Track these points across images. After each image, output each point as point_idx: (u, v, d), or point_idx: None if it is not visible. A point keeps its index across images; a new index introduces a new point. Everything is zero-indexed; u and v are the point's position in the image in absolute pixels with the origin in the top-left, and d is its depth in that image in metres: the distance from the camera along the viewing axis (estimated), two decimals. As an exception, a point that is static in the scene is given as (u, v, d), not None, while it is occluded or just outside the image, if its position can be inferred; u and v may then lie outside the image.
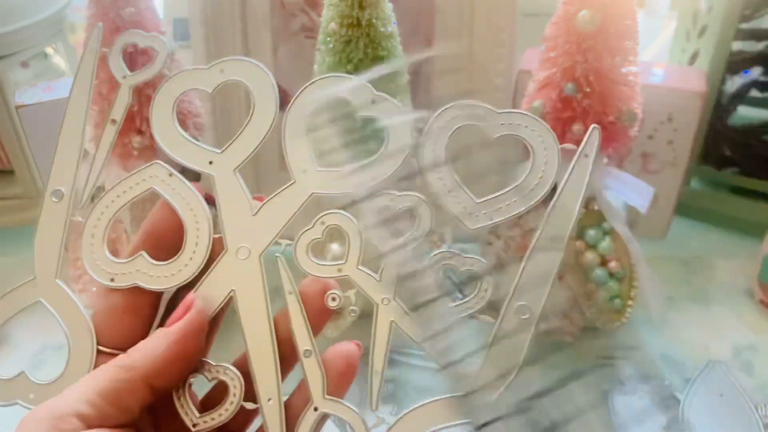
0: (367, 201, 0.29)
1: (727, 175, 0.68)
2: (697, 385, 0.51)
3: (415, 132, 0.29)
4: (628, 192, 0.50)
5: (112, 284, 0.29)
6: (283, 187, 0.29)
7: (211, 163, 0.30)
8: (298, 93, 0.30)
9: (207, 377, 0.29)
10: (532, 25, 0.55)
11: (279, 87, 0.54)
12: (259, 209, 0.29)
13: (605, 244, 0.50)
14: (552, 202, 0.28)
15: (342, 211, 0.29)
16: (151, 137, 0.46)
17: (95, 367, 0.28)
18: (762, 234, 0.58)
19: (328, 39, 0.46)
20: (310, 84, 0.30)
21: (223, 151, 0.30)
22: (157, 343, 0.27)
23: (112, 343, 0.29)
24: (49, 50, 0.68)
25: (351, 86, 0.30)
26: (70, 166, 0.31)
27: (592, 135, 0.28)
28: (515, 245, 0.52)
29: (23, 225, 0.67)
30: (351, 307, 0.29)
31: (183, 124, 0.48)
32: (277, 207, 0.29)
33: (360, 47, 0.45)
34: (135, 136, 0.47)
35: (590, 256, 0.50)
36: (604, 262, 0.50)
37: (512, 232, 0.53)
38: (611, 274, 0.50)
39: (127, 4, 0.44)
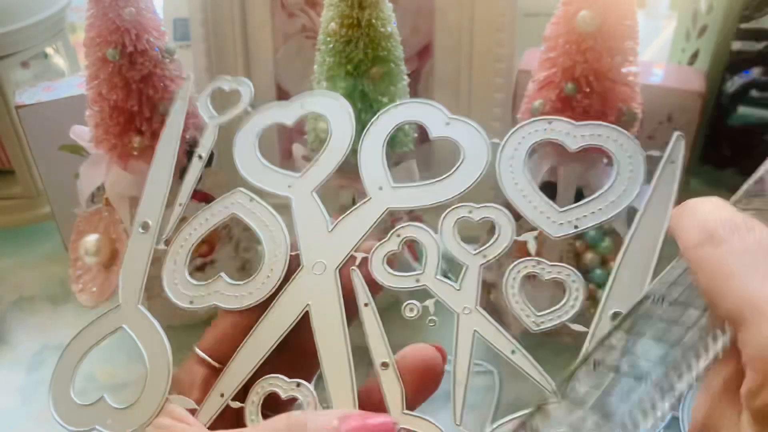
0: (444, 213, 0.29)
1: (727, 175, 0.68)
2: (697, 385, 0.51)
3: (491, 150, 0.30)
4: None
5: (191, 306, 0.31)
6: (359, 204, 0.31)
7: (290, 186, 0.32)
8: (378, 115, 0.32)
9: (281, 393, 0.28)
10: (532, 25, 0.55)
11: (279, 87, 0.55)
12: (335, 226, 0.30)
13: (605, 244, 0.50)
14: (642, 207, 0.28)
15: (418, 224, 0.29)
16: (151, 137, 0.47)
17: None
18: (762, 234, 0.58)
19: (328, 39, 0.46)
20: (391, 108, 0.32)
21: (302, 175, 0.32)
22: None
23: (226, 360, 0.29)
24: (50, 50, 0.68)
25: (426, 109, 0.32)
26: (158, 199, 0.33)
27: (677, 141, 0.28)
28: (515, 246, 0.52)
29: (23, 225, 0.67)
30: (430, 317, 0.28)
31: (184, 125, 0.48)
32: (352, 223, 0.30)
33: (360, 47, 0.45)
34: (135, 136, 0.47)
35: (590, 256, 0.50)
36: (604, 262, 0.50)
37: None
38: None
39: (127, 4, 0.44)
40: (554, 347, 0.55)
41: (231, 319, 0.30)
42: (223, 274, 0.31)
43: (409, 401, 0.27)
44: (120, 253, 0.49)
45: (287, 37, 0.60)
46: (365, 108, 0.45)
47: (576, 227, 0.29)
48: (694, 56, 0.65)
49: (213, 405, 0.29)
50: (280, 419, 0.26)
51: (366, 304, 0.29)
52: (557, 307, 0.28)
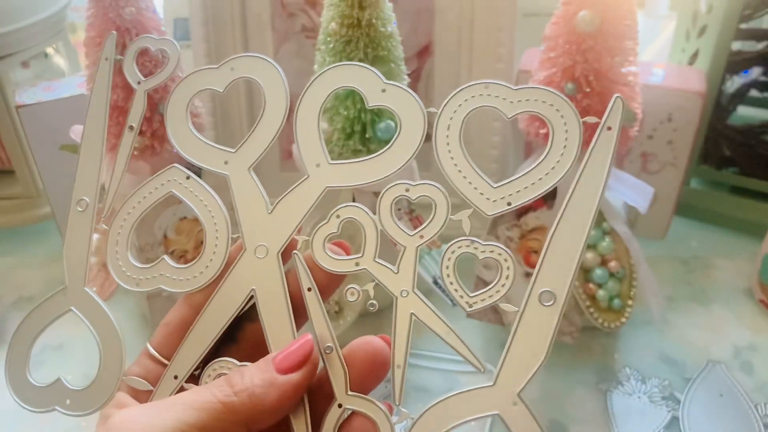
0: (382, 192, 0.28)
1: (727, 175, 0.68)
2: (697, 385, 0.51)
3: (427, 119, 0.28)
4: (628, 192, 0.50)
5: (137, 289, 0.30)
6: (298, 183, 0.29)
7: (226, 163, 0.30)
8: (309, 84, 0.29)
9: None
10: (532, 25, 0.55)
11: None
12: (275, 207, 0.29)
13: (605, 244, 0.50)
14: (576, 179, 0.27)
15: (357, 204, 0.29)
16: (152, 137, 0.47)
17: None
18: (762, 234, 0.58)
19: (328, 39, 0.46)
20: (320, 74, 0.29)
21: (237, 150, 0.30)
22: (268, 392, 0.26)
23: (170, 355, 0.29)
24: (50, 50, 0.68)
25: (361, 75, 0.29)
26: (92, 175, 0.31)
27: (616, 104, 0.26)
28: (515, 246, 0.52)
29: (23, 225, 0.67)
30: (370, 301, 0.28)
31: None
32: (293, 203, 0.29)
33: (360, 47, 0.45)
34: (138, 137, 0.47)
35: (590, 256, 0.50)
36: (604, 262, 0.50)
37: (512, 232, 0.53)
38: (611, 274, 0.50)
39: (127, 4, 0.44)
40: (553, 346, 0.55)
41: (180, 315, 0.30)
42: (166, 257, 0.30)
43: (357, 389, 0.28)
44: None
45: (287, 37, 0.60)
46: (365, 108, 0.45)
47: (509, 203, 0.27)
48: (694, 56, 0.65)
49: (167, 387, 0.29)
50: (214, 383, 0.27)
51: (309, 289, 0.28)
52: (489, 287, 0.27)
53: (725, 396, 0.50)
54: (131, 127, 0.32)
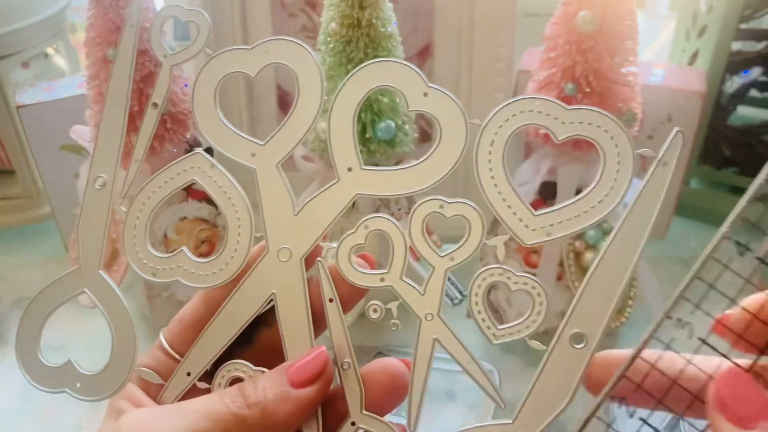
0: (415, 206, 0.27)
1: (727, 175, 0.68)
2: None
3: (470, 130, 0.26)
4: (628, 192, 0.50)
5: (154, 279, 0.29)
6: (327, 186, 0.28)
7: (253, 155, 0.28)
8: (346, 79, 0.27)
9: (245, 379, 0.28)
10: (532, 25, 0.55)
11: (279, 87, 0.54)
12: (302, 208, 0.28)
13: (605, 244, 0.50)
14: (623, 217, 0.25)
15: (388, 216, 0.27)
16: (152, 137, 0.47)
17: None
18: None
19: (328, 39, 0.46)
20: (360, 69, 0.27)
21: (266, 143, 0.28)
22: (281, 406, 0.25)
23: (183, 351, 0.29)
24: (50, 50, 0.68)
25: (403, 74, 0.27)
26: (111, 152, 0.29)
27: (675, 138, 0.25)
28: (515, 246, 0.52)
29: (23, 225, 0.67)
30: (392, 321, 0.27)
31: (184, 122, 0.48)
32: (320, 207, 0.28)
33: (360, 47, 0.45)
34: (135, 136, 0.47)
35: (590, 256, 0.50)
36: (603, 262, 0.50)
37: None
38: (611, 274, 0.50)
39: (127, 4, 0.44)
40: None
41: (195, 311, 0.29)
42: (185, 248, 0.29)
43: (375, 409, 0.27)
44: (119, 253, 0.49)
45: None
46: (365, 108, 0.45)
47: (549, 234, 0.26)
48: (694, 56, 0.65)
49: (179, 383, 0.28)
50: (227, 391, 0.26)
51: (331, 300, 0.27)
52: (520, 321, 0.26)
53: (725, 396, 0.50)
54: (155, 104, 0.30)
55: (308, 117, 0.28)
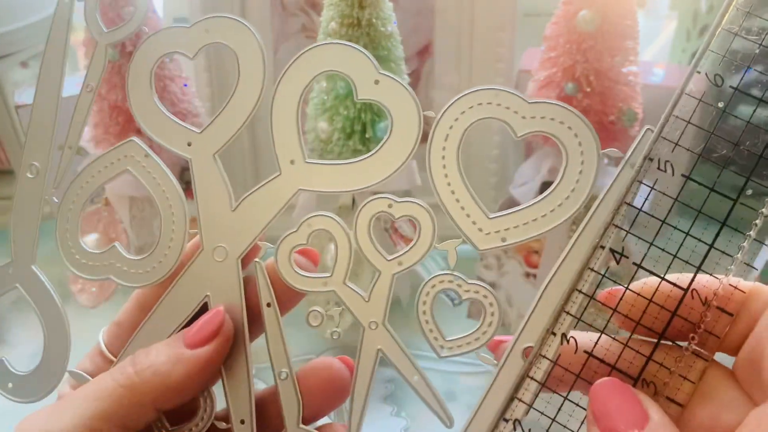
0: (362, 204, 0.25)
1: (727, 175, 0.68)
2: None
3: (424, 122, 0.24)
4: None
5: (84, 276, 0.27)
6: (267, 180, 0.26)
7: (189, 144, 0.26)
8: (290, 64, 0.25)
9: None
10: (532, 25, 0.55)
11: (279, 87, 0.53)
12: (239, 204, 0.26)
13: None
14: (582, 224, 0.23)
15: (332, 215, 0.25)
16: (138, 132, 0.46)
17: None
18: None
19: (328, 38, 0.45)
20: (303, 53, 0.25)
21: (202, 131, 0.26)
22: (174, 368, 0.24)
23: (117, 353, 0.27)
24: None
25: (353, 59, 0.25)
26: (45, 137, 0.27)
27: (645, 138, 0.23)
28: (515, 246, 0.52)
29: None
30: (334, 329, 0.25)
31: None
32: (259, 203, 0.26)
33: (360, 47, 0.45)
34: (135, 136, 0.47)
35: (590, 256, 0.50)
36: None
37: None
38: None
39: (126, 4, 0.44)
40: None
41: (131, 315, 0.27)
42: (117, 244, 0.27)
43: (313, 412, 0.26)
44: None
45: (287, 37, 0.60)
46: (365, 107, 0.45)
47: (504, 239, 0.24)
48: (694, 56, 0.65)
49: None
50: (119, 365, 0.25)
51: (269, 305, 0.25)
52: (469, 332, 0.24)
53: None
54: (89, 86, 0.27)
55: (249, 102, 0.25)
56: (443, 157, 0.24)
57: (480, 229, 0.24)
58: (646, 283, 0.24)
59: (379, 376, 0.28)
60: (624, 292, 0.24)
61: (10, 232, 0.28)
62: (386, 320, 0.25)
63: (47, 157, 0.27)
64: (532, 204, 0.24)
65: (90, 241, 0.49)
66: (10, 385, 0.27)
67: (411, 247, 0.24)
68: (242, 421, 0.26)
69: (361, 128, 0.46)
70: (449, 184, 0.24)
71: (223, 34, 0.26)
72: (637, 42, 0.45)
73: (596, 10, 0.43)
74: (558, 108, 0.23)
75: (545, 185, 0.50)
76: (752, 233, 0.22)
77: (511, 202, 0.53)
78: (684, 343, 0.23)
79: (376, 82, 0.24)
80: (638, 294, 0.24)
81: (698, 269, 0.24)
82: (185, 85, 0.48)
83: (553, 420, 0.24)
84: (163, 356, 0.24)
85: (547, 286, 0.24)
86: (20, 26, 0.59)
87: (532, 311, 0.24)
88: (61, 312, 0.27)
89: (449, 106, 0.24)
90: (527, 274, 0.51)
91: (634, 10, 0.44)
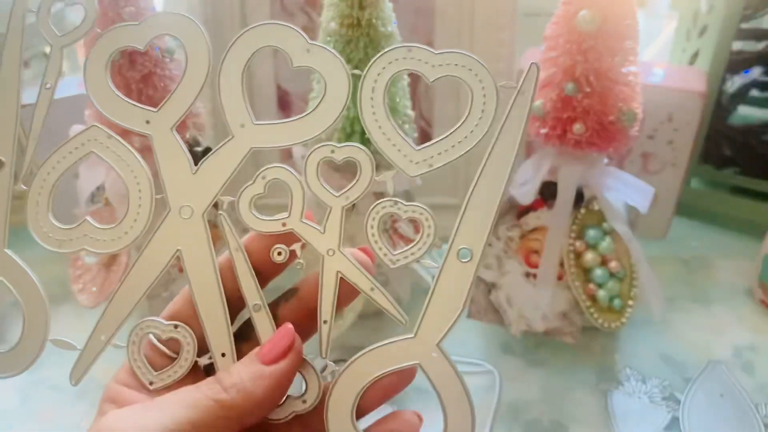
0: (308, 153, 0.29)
1: (727, 175, 0.68)
2: (697, 385, 0.51)
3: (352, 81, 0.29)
4: (628, 192, 0.50)
5: (60, 250, 0.30)
6: (222, 143, 0.29)
7: (148, 122, 0.30)
8: (231, 43, 0.29)
9: (159, 336, 0.29)
10: (532, 25, 0.55)
11: (279, 87, 0.54)
12: (199, 167, 0.29)
13: (605, 244, 0.50)
14: (493, 141, 0.28)
15: (284, 165, 0.29)
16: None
17: None
18: (762, 234, 0.58)
19: (328, 39, 0.46)
20: (243, 33, 0.29)
21: (159, 109, 0.30)
22: (257, 385, 0.26)
23: None
24: (50, 50, 0.68)
25: (284, 34, 0.29)
26: (8, 132, 0.31)
27: (531, 70, 0.28)
28: (515, 246, 0.52)
29: (23, 225, 0.67)
30: (298, 261, 0.29)
31: (182, 124, 0.48)
32: (217, 164, 0.29)
33: (360, 47, 0.45)
34: (135, 137, 0.47)
35: (590, 256, 0.50)
36: (604, 262, 0.50)
37: (512, 232, 0.53)
38: (611, 274, 0.50)
39: (127, 4, 0.44)
40: (553, 346, 0.55)
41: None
42: (89, 217, 0.30)
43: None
44: (119, 253, 0.49)
45: (287, 36, 0.60)
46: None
47: (431, 165, 0.28)
48: (695, 56, 0.65)
49: (95, 347, 0.30)
50: (203, 382, 0.27)
51: (236, 250, 0.29)
52: (411, 245, 0.28)
53: (726, 396, 0.50)
54: (47, 85, 0.31)
55: (197, 82, 0.30)
56: (372, 106, 0.28)
57: (411, 160, 0.28)
58: None
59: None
60: None
61: None
62: (341, 246, 0.28)
63: (12, 151, 0.31)
64: (449, 135, 0.28)
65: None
66: None
67: (354, 184, 0.28)
68: (223, 354, 0.29)
69: (360, 128, 0.46)
70: (380, 127, 0.28)
71: (166, 27, 0.30)
72: (637, 42, 0.45)
73: (596, 10, 0.43)
74: (461, 55, 0.28)
75: (545, 185, 0.50)
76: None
77: (512, 202, 0.53)
78: None
79: (308, 50, 0.29)
80: None
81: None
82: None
83: None
84: (246, 374, 0.27)
85: (472, 191, 0.28)
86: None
87: (461, 217, 0.28)
88: (40, 292, 0.30)
89: (372, 64, 0.28)
90: (527, 274, 0.51)
91: (635, 9, 0.44)
